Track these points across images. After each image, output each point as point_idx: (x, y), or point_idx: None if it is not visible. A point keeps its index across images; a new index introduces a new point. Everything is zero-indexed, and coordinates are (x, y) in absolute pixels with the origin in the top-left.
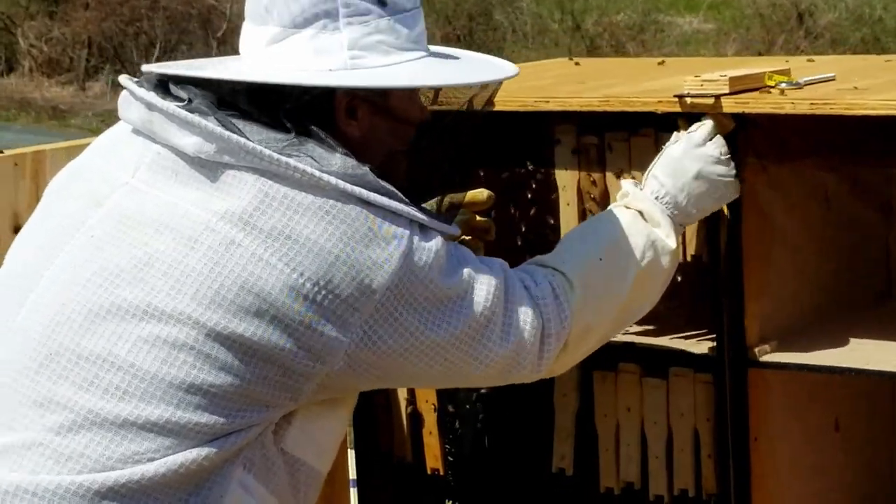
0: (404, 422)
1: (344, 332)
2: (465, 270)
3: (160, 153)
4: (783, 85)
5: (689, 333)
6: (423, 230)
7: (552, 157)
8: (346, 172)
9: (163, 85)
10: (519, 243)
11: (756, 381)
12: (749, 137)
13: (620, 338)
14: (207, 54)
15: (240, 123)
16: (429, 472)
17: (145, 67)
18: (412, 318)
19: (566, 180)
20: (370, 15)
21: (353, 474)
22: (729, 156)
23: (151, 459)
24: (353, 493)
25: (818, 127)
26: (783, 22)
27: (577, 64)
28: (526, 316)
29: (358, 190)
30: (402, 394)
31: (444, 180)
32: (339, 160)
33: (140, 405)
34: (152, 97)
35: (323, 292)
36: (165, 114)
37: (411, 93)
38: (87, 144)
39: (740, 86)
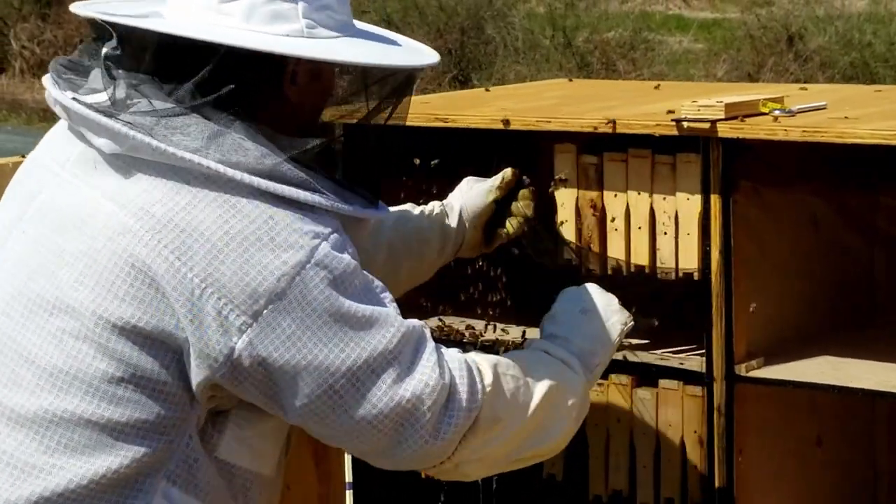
0: None
1: (227, 336)
2: (381, 298)
3: (84, 147)
4: (777, 112)
5: (679, 348)
6: (338, 244)
7: (551, 176)
8: (259, 166)
9: (91, 50)
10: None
11: (742, 396)
12: (743, 162)
13: None
14: None
15: (154, 108)
16: (423, 475)
17: (73, 7)
18: (301, 330)
19: (564, 198)
20: None
21: (349, 477)
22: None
23: (70, 449)
24: (349, 496)
25: (809, 154)
26: (773, 44)
27: (575, 84)
28: (433, 372)
29: (265, 184)
30: None
31: (367, 151)
32: (253, 152)
33: (49, 398)
34: (65, 99)
35: (209, 290)
36: (77, 116)
37: (340, 70)
38: None
39: (736, 112)
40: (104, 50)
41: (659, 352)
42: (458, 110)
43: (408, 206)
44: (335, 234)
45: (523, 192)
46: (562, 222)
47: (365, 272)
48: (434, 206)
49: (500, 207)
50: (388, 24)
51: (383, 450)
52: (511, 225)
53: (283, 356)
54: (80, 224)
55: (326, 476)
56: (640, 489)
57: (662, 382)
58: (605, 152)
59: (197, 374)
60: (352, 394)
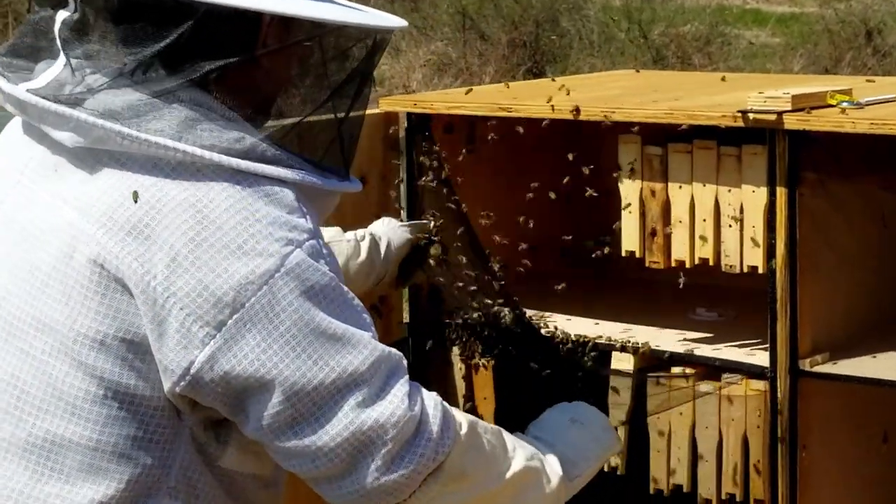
0: None
1: (188, 349)
2: (358, 317)
3: (44, 150)
4: (844, 104)
5: (743, 342)
6: (314, 252)
7: (616, 166)
8: (236, 146)
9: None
10: (577, 246)
11: (806, 391)
12: (809, 154)
13: (675, 346)
14: None
15: (118, 93)
16: None
17: None
18: (266, 343)
19: (629, 189)
20: None
21: None
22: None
23: (65, 476)
24: None
25: (877, 146)
26: (851, 39)
27: (642, 75)
28: (402, 403)
29: (245, 164)
30: (461, 390)
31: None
32: (229, 133)
33: (36, 424)
34: (19, 92)
35: (172, 300)
36: (35, 110)
37: (312, 33)
38: None
39: (802, 103)
40: (60, 18)
41: (722, 346)
42: (521, 100)
43: (337, 229)
44: (311, 241)
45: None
46: (626, 207)
47: (343, 286)
48: (365, 234)
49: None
50: (463, 17)
51: (337, 476)
52: (429, 266)
53: (246, 370)
54: (44, 236)
55: None
56: (701, 484)
57: (725, 377)
58: (670, 143)
59: (164, 384)
60: (313, 412)
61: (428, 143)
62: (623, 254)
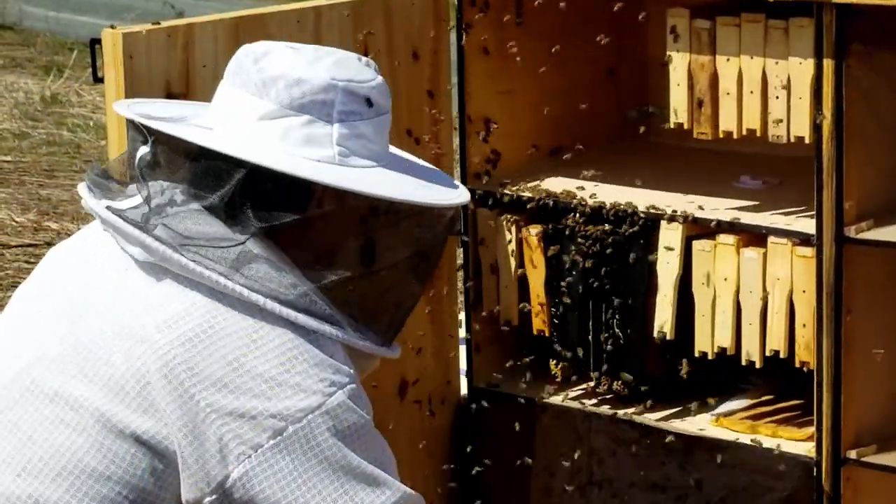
0: (515, 285)
1: (224, 463)
2: (388, 463)
3: (119, 251)
4: None
5: (788, 210)
6: (354, 396)
7: (665, 39)
8: (285, 294)
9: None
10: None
11: (851, 257)
12: (856, 26)
13: (721, 214)
14: None
15: (188, 220)
16: (535, 332)
17: (115, 106)
18: (297, 472)
19: (677, 62)
20: (359, 114)
21: (462, 333)
22: None
23: None
24: (463, 350)
25: None
26: None
27: None
28: None
29: (289, 313)
30: (512, 257)
31: (389, 293)
32: (280, 280)
33: (34, 485)
34: (100, 209)
35: (214, 415)
36: (109, 225)
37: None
38: (241, 16)
39: None
40: (139, 154)
41: (768, 213)
42: None
43: None
44: (352, 385)
45: None
46: (675, 80)
47: (377, 432)
48: None
49: None
50: None
51: None
52: None
53: (275, 494)
54: (103, 322)
55: (440, 331)
56: (745, 346)
57: (771, 240)
58: (718, 16)
59: (187, 493)
60: None
61: (478, 15)
62: (671, 125)
